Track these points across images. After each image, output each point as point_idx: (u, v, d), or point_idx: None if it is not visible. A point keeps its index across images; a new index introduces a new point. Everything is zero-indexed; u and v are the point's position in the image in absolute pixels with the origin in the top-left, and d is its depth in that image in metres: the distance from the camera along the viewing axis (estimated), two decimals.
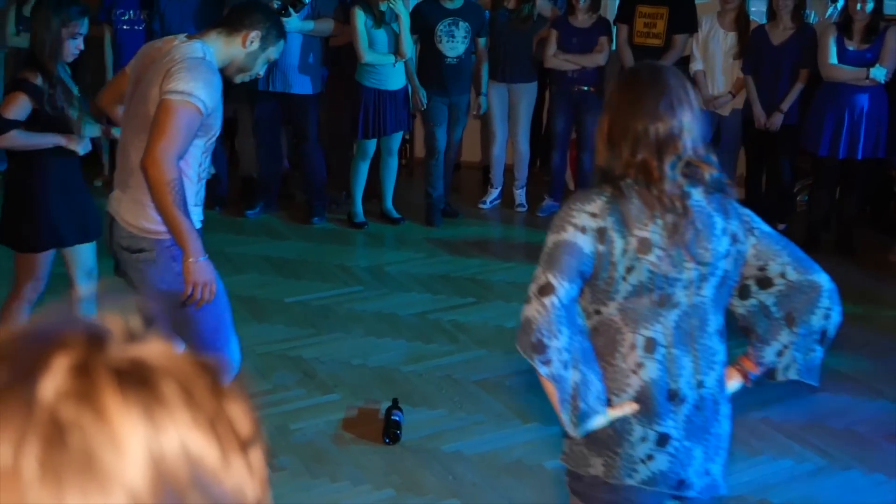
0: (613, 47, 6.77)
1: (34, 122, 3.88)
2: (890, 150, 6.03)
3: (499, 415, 4.16)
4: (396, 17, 6.09)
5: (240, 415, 0.61)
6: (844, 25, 5.92)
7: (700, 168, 2.10)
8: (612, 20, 6.85)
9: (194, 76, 2.88)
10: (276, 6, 5.71)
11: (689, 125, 2.09)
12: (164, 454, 0.55)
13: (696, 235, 2.09)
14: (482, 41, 6.58)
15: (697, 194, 2.12)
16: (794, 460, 3.85)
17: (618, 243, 2.07)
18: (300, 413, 4.11)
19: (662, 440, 2.13)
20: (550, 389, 2.05)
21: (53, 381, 0.54)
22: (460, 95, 6.58)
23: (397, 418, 3.93)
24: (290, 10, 5.80)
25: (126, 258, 3.07)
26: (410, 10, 6.53)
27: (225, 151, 7.06)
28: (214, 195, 6.93)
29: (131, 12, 6.79)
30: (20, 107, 3.85)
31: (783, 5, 6.07)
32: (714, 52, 6.37)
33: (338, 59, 6.60)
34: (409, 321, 5.07)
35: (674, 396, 2.13)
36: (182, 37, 3.07)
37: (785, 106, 6.10)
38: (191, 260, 2.93)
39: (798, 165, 6.48)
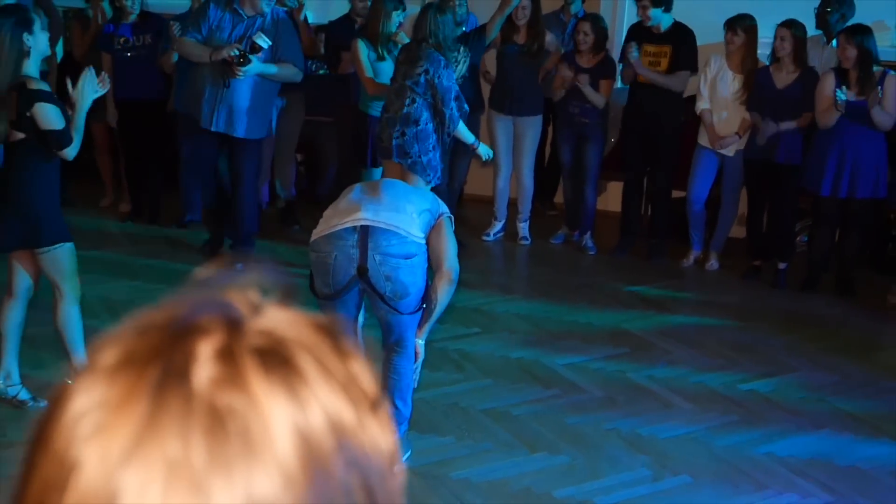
0: (620, 84, 6.87)
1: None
2: (889, 191, 6.12)
3: (506, 443, 4.19)
4: (397, 46, 6.22)
5: (364, 374, 0.63)
6: (841, 72, 6.01)
7: None
8: (617, 58, 6.94)
9: None
10: (233, 54, 5.73)
11: None
12: (310, 428, 0.57)
13: None
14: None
15: None
16: (799, 494, 3.89)
17: None
18: None
19: None
20: None
21: (205, 372, 0.57)
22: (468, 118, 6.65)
23: None
24: (249, 56, 5.83)
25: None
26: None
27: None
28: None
29: (133, 38, 6.89)
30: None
31: (780, 48, 6.18)
32: (721, 92, 6.46)
33: (347, 88, 6.70)
34: None
35: None
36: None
37: (784, 126, 6.17)
38: None
39: (799, 206, 6.57)
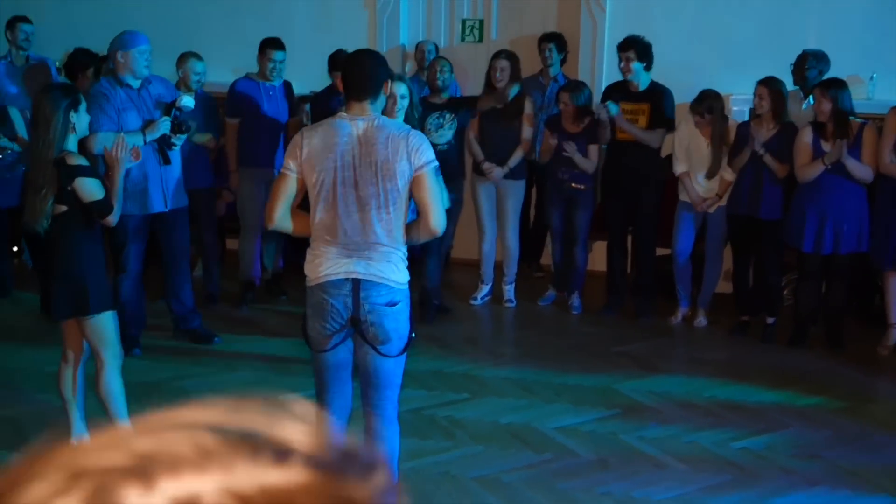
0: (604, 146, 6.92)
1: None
2: (872, 244, 6.13)
3: None
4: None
5: None
6: (819, 125, 6.06)
7: None
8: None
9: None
10: (168, 127, 5.63)
11: None
12: None
13: None
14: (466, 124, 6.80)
15: None
16: None
17: None
18: None
19: None
20: None
21: None
22: (450, 183, 6.67)
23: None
24: (181, 122, 5.75)
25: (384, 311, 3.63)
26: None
27: (218, 250, 7.11)
28: (206, 292, 6.96)
29: None
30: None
31: (759, 105, 6.24)
32: (697, 156, 6.53)
33: None
34: (405, 417, 4.98)
35: None
36: (371, 113, 3.62)
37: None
38: None
39: (784, 260, 6.58)
